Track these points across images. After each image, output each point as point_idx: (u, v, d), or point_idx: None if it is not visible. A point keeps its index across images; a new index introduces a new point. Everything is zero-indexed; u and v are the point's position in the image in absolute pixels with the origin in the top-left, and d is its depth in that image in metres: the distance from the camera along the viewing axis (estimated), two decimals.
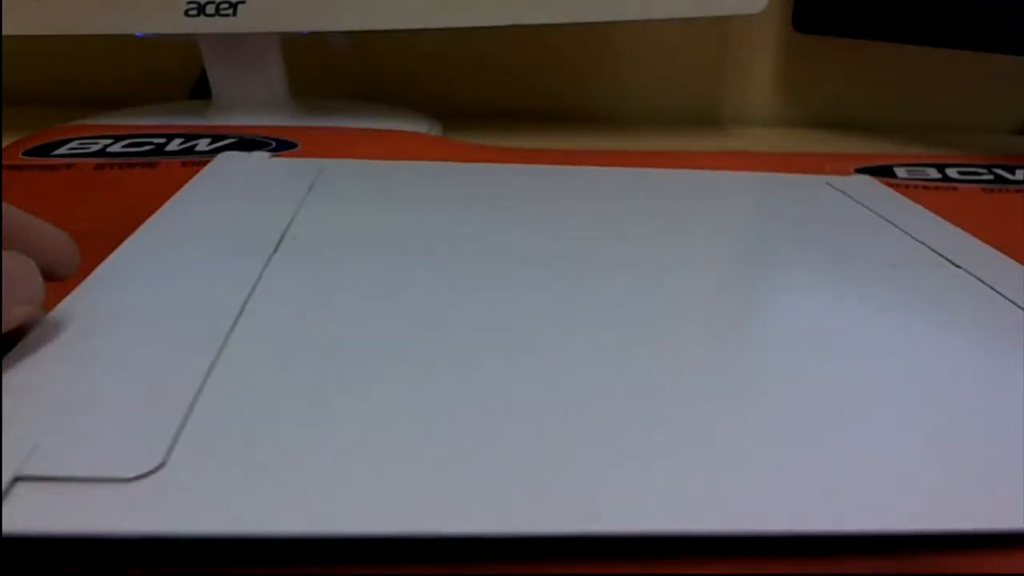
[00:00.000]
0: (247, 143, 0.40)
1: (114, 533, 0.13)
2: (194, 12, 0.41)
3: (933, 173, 0.40)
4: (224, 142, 0.40)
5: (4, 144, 0.40)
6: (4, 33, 0.41)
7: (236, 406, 0.16)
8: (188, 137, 0.40)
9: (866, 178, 0.37)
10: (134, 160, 0.37)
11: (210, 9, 0.41)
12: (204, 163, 0.36)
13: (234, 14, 0.41)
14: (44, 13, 0.41)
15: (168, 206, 0.28)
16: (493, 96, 0.56)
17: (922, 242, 0.29)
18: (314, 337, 0.20)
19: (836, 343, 0.21)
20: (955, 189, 0.37)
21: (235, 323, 0.20)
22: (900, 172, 0.40)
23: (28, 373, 0.17)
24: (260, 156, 0.35)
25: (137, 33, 0.42)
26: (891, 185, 0.37)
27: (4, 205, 0.19)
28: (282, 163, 0.35)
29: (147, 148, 0.38)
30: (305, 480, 0.14)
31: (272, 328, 0.20)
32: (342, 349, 0.19)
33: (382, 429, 0.16)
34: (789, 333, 0.21)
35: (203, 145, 0.39)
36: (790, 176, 0.37)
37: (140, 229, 0.26)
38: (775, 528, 0.14)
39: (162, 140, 0.40)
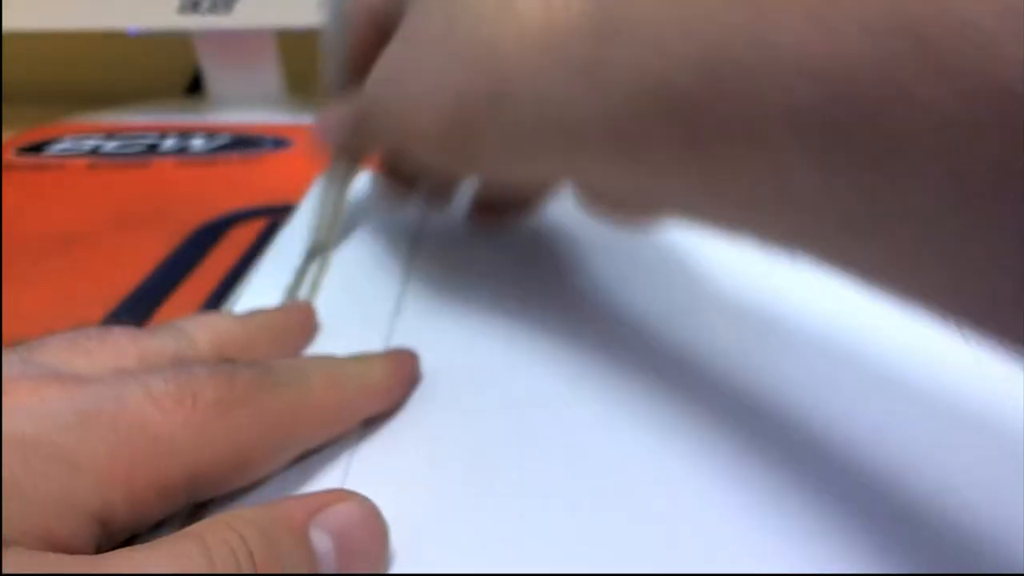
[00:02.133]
0: (242, 141, 0.39)
1: None
2: (188, 8, 0.40)
3: None
4: (219, 140, 0.39)
5: None
6: None
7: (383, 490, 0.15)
8: (182, 135, 0.40)
9: None
10: (128, 160, 0.36)
11: (204, 5, 0.40)
12: (198, 163, 0.36)
13: (228, 10, 0.40)
14: (36, 9, 0.40)
15: (272, 251, 0.26)
16: None
17: None
18: (453, 411, 0.18)
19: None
20: None
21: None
22: None
23: None
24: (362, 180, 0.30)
25: (130, 29, 0.42)
26: None
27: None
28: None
29: (140, 148, 0.38)
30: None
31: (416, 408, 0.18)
32: (483, 421, 0.18)
33: (541, 519, 0.15)
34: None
35: (198, 143, 0.39)
36: None
37: (249, 283, 0.24)
38: None
39: (156, 138, 0.39)
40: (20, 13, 0.40)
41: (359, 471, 0.16)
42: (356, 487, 0.14)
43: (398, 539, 0.14)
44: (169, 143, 0.39)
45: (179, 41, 0.45)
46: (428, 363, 0.19)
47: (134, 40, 0.49)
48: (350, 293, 0.23)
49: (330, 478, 0.16)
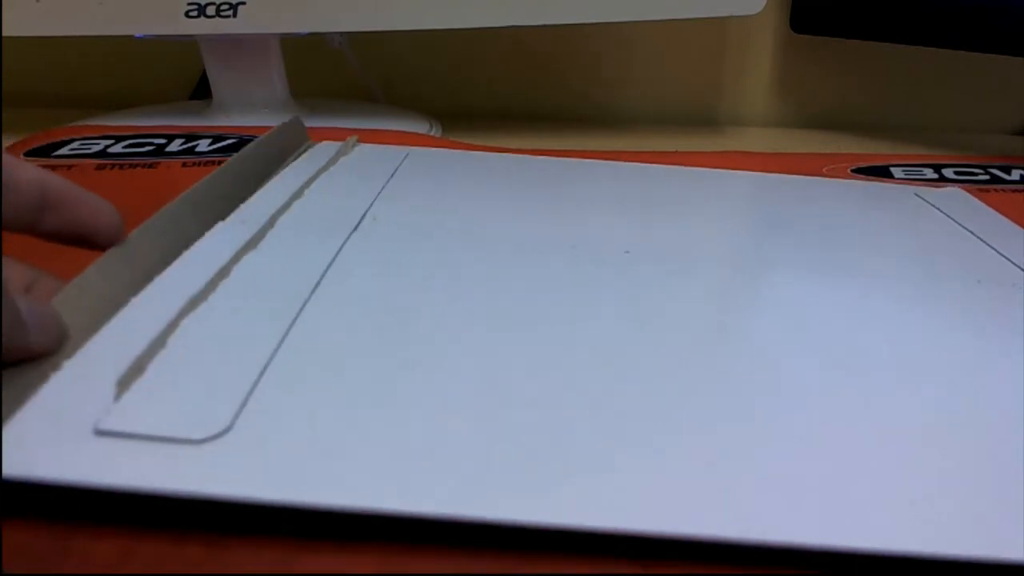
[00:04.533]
0: (247, 143, 0.40)
1: (180, 492, 0.14)
2: (194, 13, 0.41)
3: (930, 173, 0.40)
4: (224, 143, 0.40)
5: (6, 144, 0.40)
6: (5, 34, 0.41)
7: (302, 378, 0.17)
8: (189, 138, 0.40)
9: (958, 191, 0.36)
10: (135, 160, 0.37)
11: (210, 10, 0.41)
12: (204, 163, 0.36)
13: (234, 15, 0.41)
14: (45, 14, 0.41)
15: (264, 190, 0.29)
16: (493, 96, 0.57)
17: (1009, 259, 0.28)
18: (383, 316, 0.20)
19: (908, 365, 0.20)
20: None
21: (308, 298, 0.21)
22: (897, 172, 0.40)
23: (109, 332, 0.18)
24: (351, 143, 0.36)
25: (137, 34, 0.42)
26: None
27: (47, 174, 0.20)
28: (370, 149, 0.36)
29: (148, 149, 0.39)
30: (355, 457, 0.15)
31: (344, 305, 0.21)
32: (410, 329, 0.20)
33: (438, 411, 0.16)
34: (861, 352, 0.21)
35: (204, 146, 0.39)
36: (877, 185, 0.37)
37: (236, 213, 0.26)
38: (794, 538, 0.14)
39: (163, 141, 0.40)
40: (29, 18, 0.41)
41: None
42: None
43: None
44: (176, 145, 0.39)
45: (185, 45, 0.46)
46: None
47: (141, 45, 0.50)
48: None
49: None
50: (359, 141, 0.36)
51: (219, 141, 0.40)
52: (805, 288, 0.24)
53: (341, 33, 0.48)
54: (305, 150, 0.34)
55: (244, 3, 0.41)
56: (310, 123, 0.45)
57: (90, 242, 0.21)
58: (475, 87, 0.56)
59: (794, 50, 0.54)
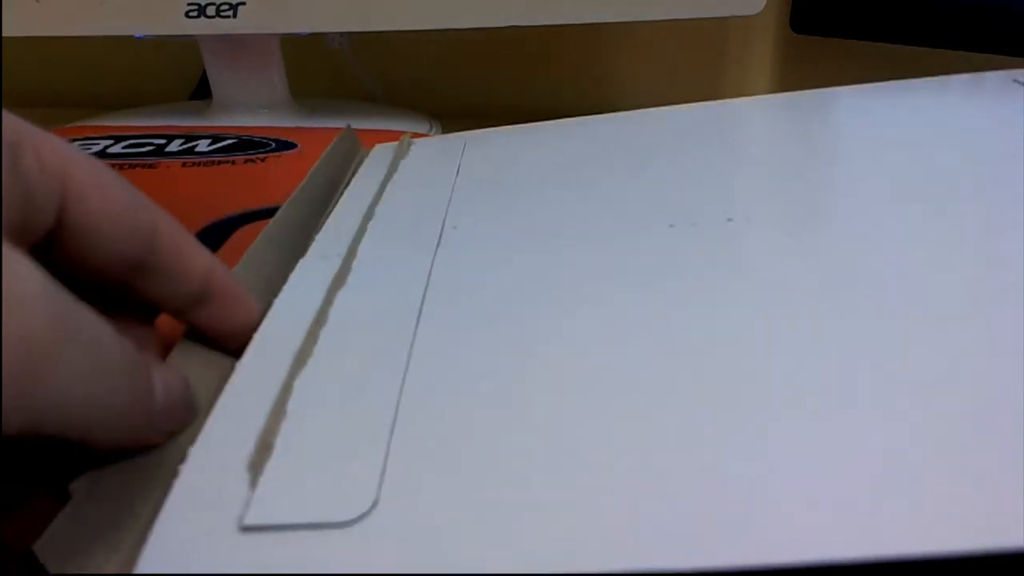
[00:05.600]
0: (247, 144, 0.40)
1: None
2: (194, 13, 0.41)
3: None
4: (224, 143, 0.40)
5: None
6: (5, 34, 0.41)
7: (434, 431, 0.15)
8: (189, 138, 0.40)
9: None
10: (135, 160, 0.37)
11: (210, 11, 0.41)
12: (205, 163, 0.36)
13: (234, 15, 0.41)
14: (44, 14, 0.41)
15: (335, 215, 0.27)
16: (493, 96, 0.56)
17: None
18: (497, 342, 0.18)
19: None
20: None
21: (415, 335, 0.19)
22: None
23: (225, 405, 0.17)
24: (406, 142, 0.34)
25: (137, 35, 0.42)
26: None
27: (216, 264, 0.18)
28: (426, 145, 0.34)
29: (148, 149, 0.39)
30: (508, 513, 0.13)
31: (453, 335, 0.19)
32: (530, 356, 0.18)
33: (589, 452, 0.14)
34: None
35: (203, 146, 0.39)
36: (971, 78, 0.34)
37: (314, 245, 0.25)
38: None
39: (163, 141, 0.40)
40: (29, 18, 0.41)
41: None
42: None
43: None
44: (176, 145, 0.39)
45: (185, 45, 0.46)
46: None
47: (141, 45, 0.50)
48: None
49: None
50: (412, 139, 0.34)
51: (219, 141, 0.40)
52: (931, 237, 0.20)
53: (341, 33, 0.48)
54: (362, 159, 0.33)
55: (244, 3, 0.41)
56: (310, 123, 0.45)
57: (228, 343, 0.19)
58: (475, 87, 0.56)
59: (794, 50, 0.54)
